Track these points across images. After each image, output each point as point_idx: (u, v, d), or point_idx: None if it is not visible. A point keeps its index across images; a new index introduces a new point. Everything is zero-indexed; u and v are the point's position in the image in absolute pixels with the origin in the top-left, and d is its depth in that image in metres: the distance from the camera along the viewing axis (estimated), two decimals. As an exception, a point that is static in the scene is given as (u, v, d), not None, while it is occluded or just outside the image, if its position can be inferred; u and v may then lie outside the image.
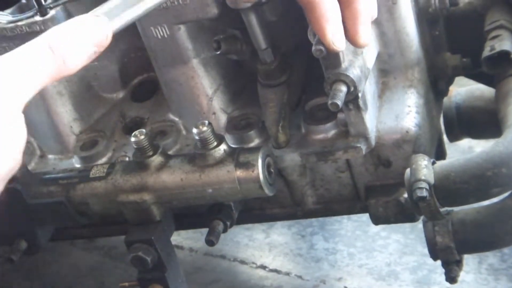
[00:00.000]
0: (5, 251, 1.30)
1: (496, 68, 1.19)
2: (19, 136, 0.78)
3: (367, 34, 0.93)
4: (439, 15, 1.23)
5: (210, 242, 1.22)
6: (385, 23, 1.17)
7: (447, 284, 1.23)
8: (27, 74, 0.79)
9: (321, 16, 0.90)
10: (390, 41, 1.18)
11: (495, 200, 1.14)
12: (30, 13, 1.23)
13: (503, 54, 1.16)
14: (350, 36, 0.94)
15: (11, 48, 1.22)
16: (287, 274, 1.58)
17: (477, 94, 1.36)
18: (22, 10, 1.27)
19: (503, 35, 1.18)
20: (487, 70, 1.21)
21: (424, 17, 1.23)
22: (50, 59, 0.78)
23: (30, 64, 0.79)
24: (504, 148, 1.06)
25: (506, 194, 1.12)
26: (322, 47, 0.96)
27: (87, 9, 1.26)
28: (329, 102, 1.02)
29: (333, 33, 0.92)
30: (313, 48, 0.96)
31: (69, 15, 1.24)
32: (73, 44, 0.80)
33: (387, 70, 1.20)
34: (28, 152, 1.40)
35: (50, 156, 1.39)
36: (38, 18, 1.22)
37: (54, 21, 1.22)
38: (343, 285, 1.51)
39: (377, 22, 1.16)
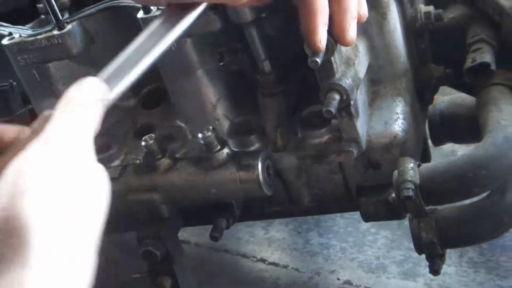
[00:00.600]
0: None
1: (477, 78, 1.20)
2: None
3: (354, 31, 0.90)
4: (425, 29, 1.24)
5: (214, 237, 1.23)
6: (375, 36, 1.17)
7: (431, 276, 1.24)
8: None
9: (315, 13, 0.87)
10: (380, 53, 1.18)
11: (475, 199, 1.14)
12: (49, 28, 1.23)
13: (484, 65, 1.17)
14: (337, 33, 0.90)
15: (31, 60, 1.24)
16: (285, 267, 1.58)
17: (460, 102, 1.37)
18: (41, 24, 1.27)
19: (484, 48, 1.19)
20: (469, 81, 1.21)
21: (411, 31, 1.23)
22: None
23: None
24: (483, 152, 1.07)
25: (485, 194, 1.13)
26: (317, 59, 0.96)
27: (99, 24, 1.27)
28: (324, 109, 1.02)
29: (322, 31, 0.89)
30: (309, 59, 0.96)
31: (83, 29, 1.24)
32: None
33: (377, 80, 1.20)
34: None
35: (67, 159, 1.39)
36: (56, 32, 1.22)
37: (71, 34, 1.22)
38: (336, 277, 1.51)
39: (367, 36, 1.16)
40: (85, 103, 0.73)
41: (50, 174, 0.65)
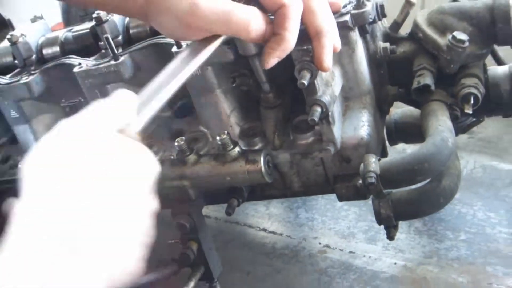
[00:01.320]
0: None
1: (421, 96, 1.21)
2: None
3: (330, 62, 0.87)
4: (383, 60, 1.24)
5: (228, 213, 1.23)
6: (347, 65, 1.18)
7: (387, 241, 1.25)
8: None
9: (276, 49, 0.82)
10: (350, 77, 1.19)
11: (419, 185, 1.15)
12: (107, 59, 1.24)
13: (426, 86, 1.18)
14: (317, 63, 0.88)
15: (94, 83, 1.25)
16: (280, 234, 1.59)
17: (408, 114, 1.38)
18: (102, 57, 1.28)
19: (425, 74, 1.20)
20: (415, 97, 1.22)
21: (373, 61, 1.24)
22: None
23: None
24: (426, 150, 1.08)
25: (426, 181, 1.14)
26: (304, 81, 0.96)
27: (144, 56, 1.27)
28: (309, 118, 1.03)
29: (273, 60, 0.84)
30: (298, 82, 0.97)
31: (133, 60, 1.25)
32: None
33: (348, 97, 1.21)
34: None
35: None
36: (112, 62, 1.23)
37: (123, 64, 1.23)
38: (318, 242, 1.52)
39: (341, 64, 1.17)
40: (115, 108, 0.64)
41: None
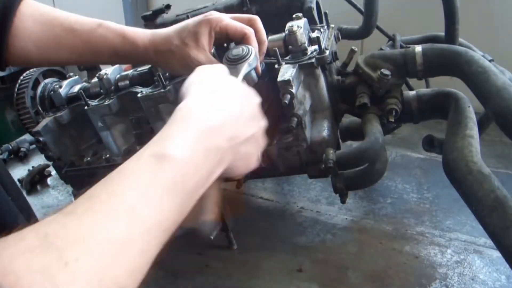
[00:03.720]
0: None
1: (361, 110, 1.21)
2: None
3: (266, 44, 0.87)
4: (337, 87, 1.25)
5: (237, 187, 1.23)
6: (314, 90, 1.17)
7: (341, 204, 1.25)
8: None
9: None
10: (316, 98, 1.19)
11: (361, 167, 1.15)
12: (159, 88, 1.24)
13: (364, 104, 1.18)
14: (261, 48, 0.86)
15: (150, 104, 1.24)
16: (272, 200, 1.59)
17: (354, 121, 1.38)
18: (155, 86, 1.28)
19: (364, 96, 1.20)
20: (358, 111, 1.23)
21: (331, 88, 1.24)
22: None
23: None
24: (365, 145, 1.10)
25: (366, 165, 1.14)
26: (286, 101, 0.96)
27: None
28: (289, 125, 1.03)
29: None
30: (282, 101, 0.97)
31: (175, 88, 1.24)
32: None
33: (314, 111, 1.21)
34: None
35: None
36: (162, 90, 1.23)
37: (169, 91, 1.22)
38: (296, 205, 1.53)
39: (309, 90, 1.17)
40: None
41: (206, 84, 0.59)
